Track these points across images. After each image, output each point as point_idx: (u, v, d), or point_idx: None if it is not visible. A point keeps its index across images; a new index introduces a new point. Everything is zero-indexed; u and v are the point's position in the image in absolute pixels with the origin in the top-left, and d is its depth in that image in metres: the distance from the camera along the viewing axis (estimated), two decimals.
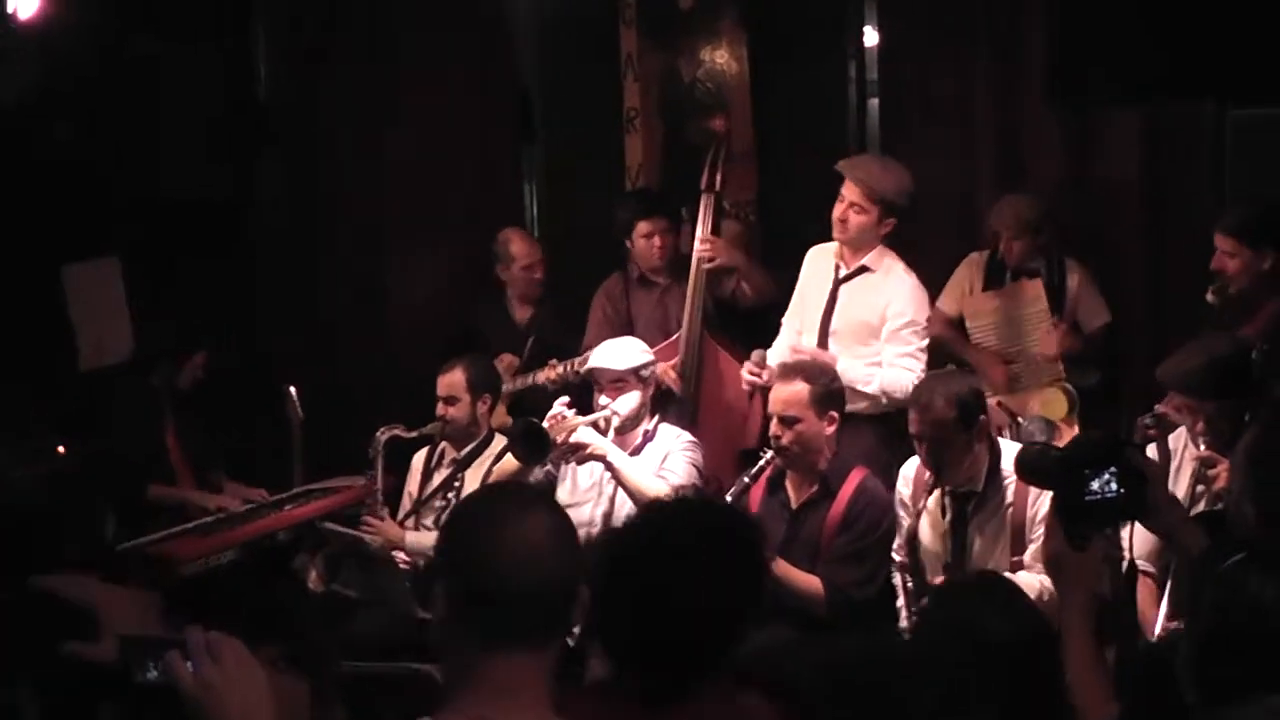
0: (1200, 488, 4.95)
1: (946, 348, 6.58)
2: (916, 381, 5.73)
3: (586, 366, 5.89)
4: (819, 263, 6.29)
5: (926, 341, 6.09)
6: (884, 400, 5.93)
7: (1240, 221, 5.68)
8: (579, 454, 5.54)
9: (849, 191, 6.06)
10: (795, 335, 6.28)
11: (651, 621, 2.79)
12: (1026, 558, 5.03)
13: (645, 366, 5.80)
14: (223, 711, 2.12)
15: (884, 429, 5.97)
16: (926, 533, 5.24)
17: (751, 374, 6.04)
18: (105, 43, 7.15)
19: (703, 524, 2.97)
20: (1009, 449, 5.20)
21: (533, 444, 5.44)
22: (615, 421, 5.67)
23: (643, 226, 6.80)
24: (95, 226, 7.04)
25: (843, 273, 6.14)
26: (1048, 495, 4.80)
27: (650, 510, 3.09)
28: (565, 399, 5.68)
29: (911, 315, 6.05)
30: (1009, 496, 5.12)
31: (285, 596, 3.08)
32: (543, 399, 5.70)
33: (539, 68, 8.20)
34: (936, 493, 5.19)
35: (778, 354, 6.14)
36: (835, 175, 6.17)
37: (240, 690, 2.14)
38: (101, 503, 5.06)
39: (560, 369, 6.61)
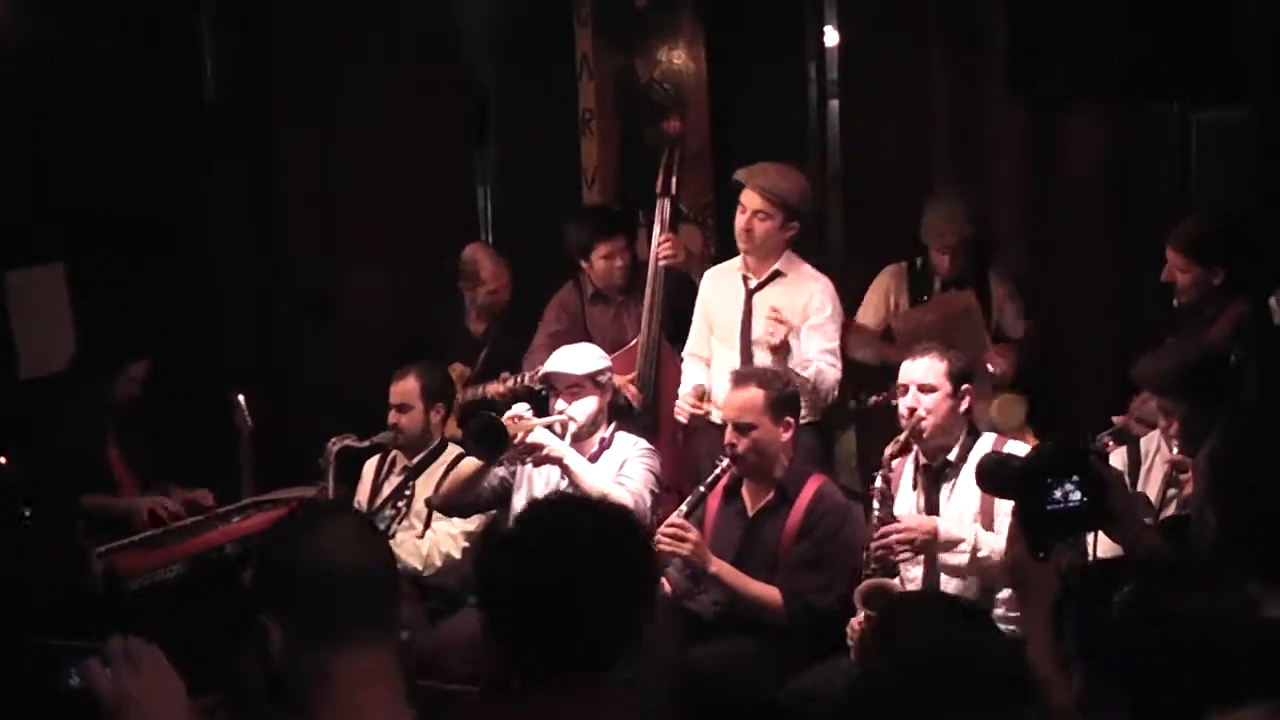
0: (1171, 491, 4.94)
1: (866, 356, 6.52)
2: (838, 371, 5.98)
3: (543, 371, 5.80)
4: (721, 283, 6.32)
5: (839, 339, 6.16)
6: (813, 395, 5.93)
7: (1193, 238, 5.63)
8: (535, 455, 5.44)
9: (750, 200, 6.09)
10: (704, 366, 6.30)
11: (533, 618, 2.74)
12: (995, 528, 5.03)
13: (602, 373, 5.72)
14: (140, 718, 2.18)
15: (819, 433, 6.08)
16: (900, 506, 5.25)
17: (693, 407, 6.11)
18: (50, 48, 7.03)
19: (582, 520, 2.88)
20: (986, 436, 5.27)
21: (490, 440, 5.35)
22: (571, 427, 5.61)
23: (602, 249, 6.75)
24: (39, 233, 6.91)
25: (754, 283, 6.16)
26: None
27: (532, 509, 3.05)
28: (524, 405, 5.57)
29: (831, 311, 6.12)
30: None
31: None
32: (493, 411, 5.62)
33: (493, 69, 8.11)
34: (910, 470, 5.24)
35: (690, 386, 6.24)
36: (735, 187, 6.19)
37: (158, 698, 2.21)
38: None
39: (511, 382, 6.52)
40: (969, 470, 5.10)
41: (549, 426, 5.52)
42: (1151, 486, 5.02)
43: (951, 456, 5.20)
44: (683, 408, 6.17)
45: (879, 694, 2.55)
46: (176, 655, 2.37)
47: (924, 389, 5.19)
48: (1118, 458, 5.14)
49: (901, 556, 5.08)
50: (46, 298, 6.93)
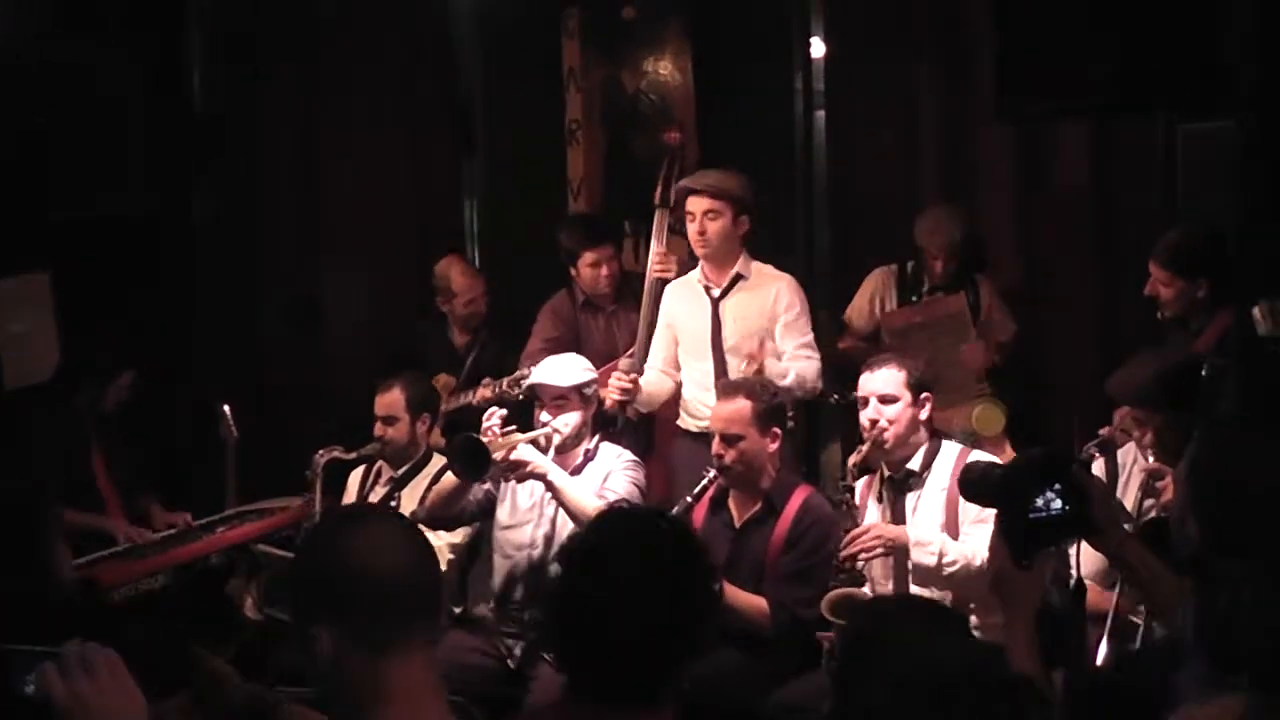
0: (1148, 501, 4.93)
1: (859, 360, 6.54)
2: (817, 364, 5.98)
3: (529, 382, 5.78)
4: (682, 295, 6.29)
5: (811, 333, 6.15)
6: (799, 392, 5.95)
7: (1175, 252, 5.65)
8: (519, 471, 5.41)
9: (697, 204, 6.08)
10: (664, 377, 6.32)
11: (599, 636, 2.72)
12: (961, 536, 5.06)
13: (588, 384, 5.69)
14: None
15: (795, 442, 6.05)
16: (867, 518, 5.23)
17: (620, 380, 6.12)
18: (37, 52, 7.01)
19: (650, 537, 2.86)
20: (950, 446, 5.25)
21: (472, 460, 5.32)
22: (556, 440, 5.57)
23: (588, 256, 6.73)
24: (24, 241, 6.88)
25: (716, 292, 6.14)
26: None
27: (602, 521, 3.01)
28: (502, 411, 5.54)
29: (800, 306, 6.11)
30: (944, 482, 5.12)
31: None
32: (477, 419, 5.60)
33: (480, 80, 8.11)
34: (875, 481, 5.23)
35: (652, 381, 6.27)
36: (680, 201, 6.21)
37: (113, 704, 2.17)
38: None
39: (493, 388, 6.50)
40: (933, 480, 5.17)
41: (533, 441, 5.49)
42: (1129, 496, 5.03)
43: (915, 466, 5.19)
44: (617, 386, 6.15)
45: (862, 703, 2.55)
46: (151, 656, 2.36)
47: (884, 400, 5.20)
48: (1097, 468, 5.15)
49: (868, 559, 5.07)
50: (32, 307, 6.89)
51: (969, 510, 5.01)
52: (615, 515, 3.17)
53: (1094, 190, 6.83)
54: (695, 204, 6.07)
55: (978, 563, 4.87)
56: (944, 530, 5.07)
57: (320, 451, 6.06)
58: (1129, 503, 4.98)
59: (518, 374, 6.22)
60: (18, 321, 6.80)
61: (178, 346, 7.63)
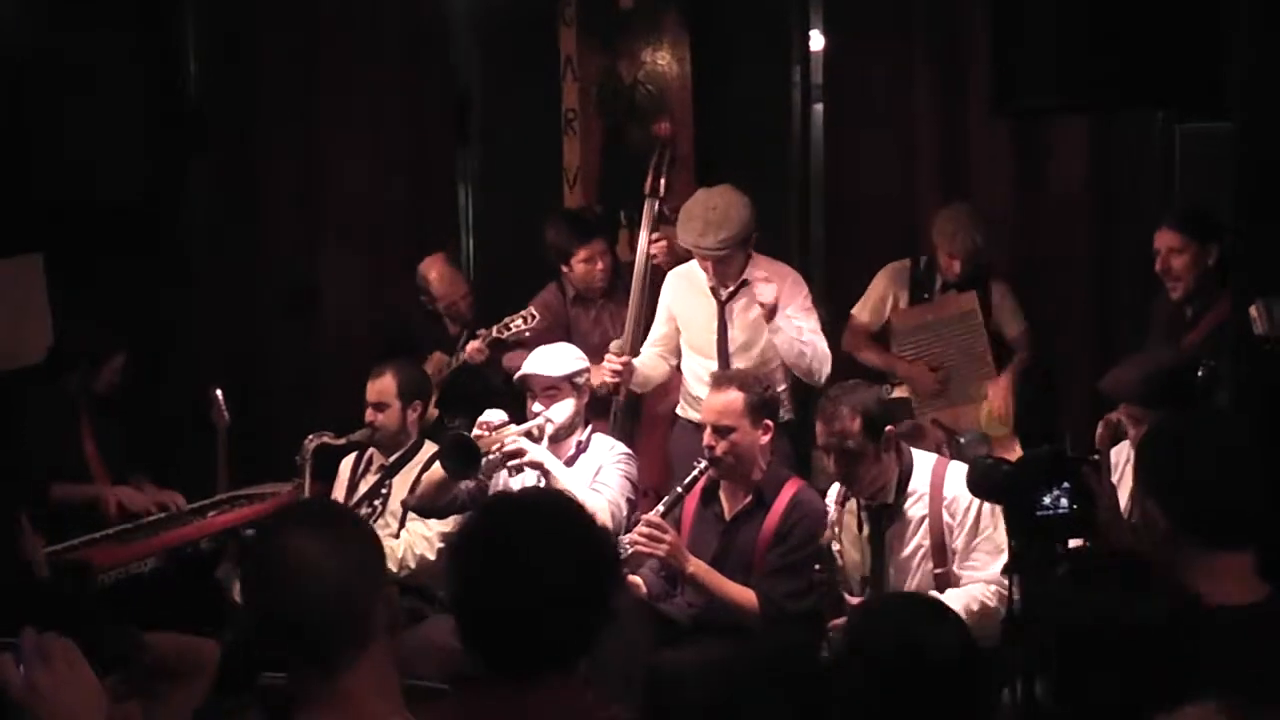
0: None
1: (867, 358, 6.53)
2: (829, 353, 5.98)
3: (520, 373, 5.76)
4: (686, 289, 6.24)
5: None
6: (808, 363, 5.92)
7: (1188, 216, 5.70)
8: (515, 461, 5.41)
9: (705, 259, 6.00)
10: (659, 358, 6.32)
11: (493, 612, 2.71)
12: (955, 568, 4.98)
13: (579, 373, 5.68)
14: (52, 714, 2.15)
15: (795, 434, 6.07)
16: (848, 547, 5.14)
17: (611, 362, 6.11)
18: (32, 39, 7.00)
19: (542, 518, 2.85)
20: (922, 460, 5.14)
21: (462, 458, 5.32)
22: (549, 429, 5.57)
23: (582, 253, 6.73)
24: (17, 223, 6.87)
25: (724, 295, 6.08)
26: (960, 504, 4.92)
27: (492, 503, 3.02)
28: (499, 415, 5.55)
29: (804, 292, 6.08)
30: (924, 508, 5.04)
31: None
32: (473, 381, 5.60)
33: (477, 69, 8.09)
34: (852, 505, 5.14)
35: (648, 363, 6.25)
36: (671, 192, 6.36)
37: (70, 693, 2.17)
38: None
39: (484, 338, 6.49)
40: (912, 510, 5.06)
41: (526, 432, 5.50)
42: (1121, 494, 4.95)
43: (889, 498, 5.08)
44: (608, 368, 6.13)
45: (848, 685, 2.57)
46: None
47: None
48: None
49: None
50: (24, 289, 6.88)
51: (957, 540, 4.97)
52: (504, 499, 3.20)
53: (1091, 189, 6.82)
54: (703, 261, 6.03)
55: (975, 607, 4.78)
56: (928, 557, 5.01)
57: (310, 437, 6.06)
58: (1122, 502, 4.93)
59: (506, 319, 6.29)
60: (10, 303, 6.79)
61: (171, 332, 7.62)
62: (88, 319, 6.67)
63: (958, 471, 5.00)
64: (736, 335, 6.07)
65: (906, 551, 5.05)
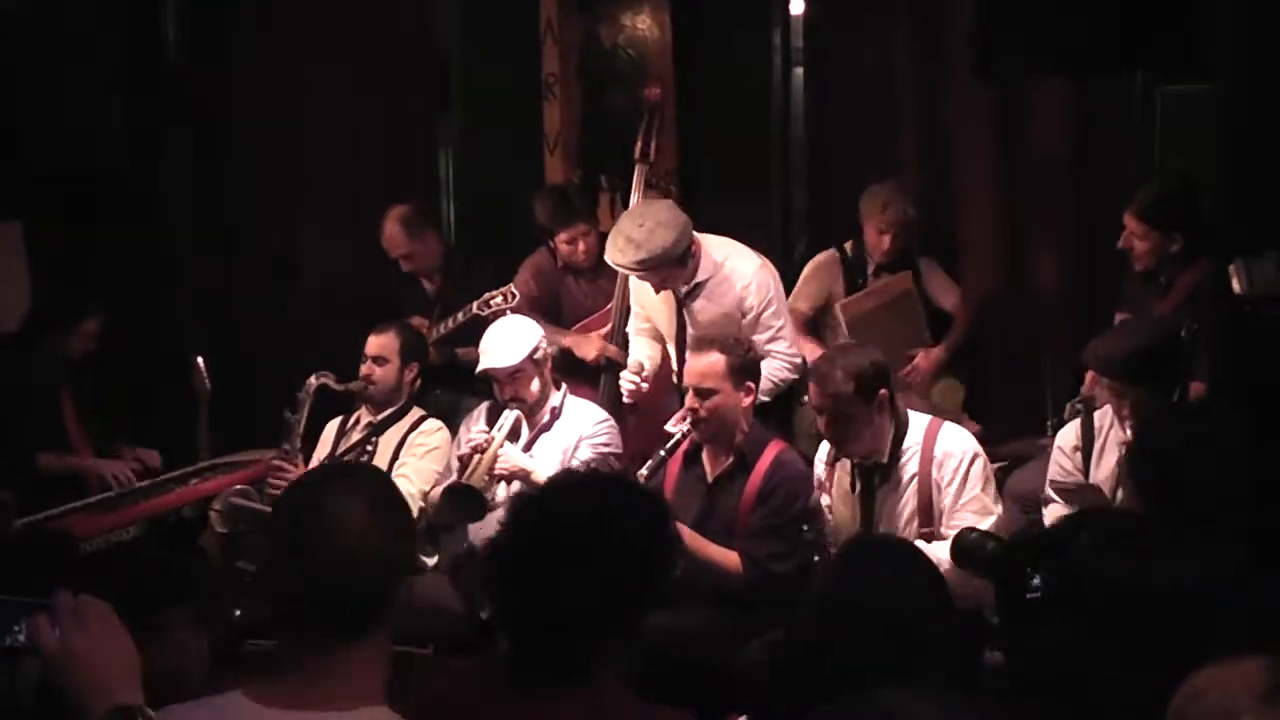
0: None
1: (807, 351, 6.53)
2: (789, 358, 5.87)
3: (479, 368, 5.82)
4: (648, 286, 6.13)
5: (785, 313, 6.04)
6: (775, 385, 5.88)
7: (1151, 204, 5.68)
8: (516, 479, 5.56)
9: (641, 277, 5.92)
10: (647, 341, 6.27)
11: (538, 598, 2.70)
12: (942, 529, 4.98)
13: (536, 348, 5.74)
14: (87, 676, 2.12)
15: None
16: (838, 505, 5.17)
17: (632, 383, 6.05)
18: (10, 7, 6.96)
19: (602, 499, 2.85)
20: (917, 420, 5.15)
21: (466, 505, 5.53)
22: (521, 415, 5.72)
23: (564, 234, 6.72)
24: None
25: (683, 292, 5.98)
26: (950, 464, 4.97)
27: (552, 485, 2.98)
28: (480, 435, 5.64)
29: (766, 296, 5.93)
30: (914, 467, 5.06)
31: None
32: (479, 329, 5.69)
33: (456, 33, 8.05)
34: (845, 465, 5.15)
35: (633, 362, 6.18)
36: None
37: (105, 655, 2.14)
38: None
39: (465, 311, 6.50)
40: (905, 469, 5.07)
41: (509, 436, 5.61)
42: (1105, 464, 5.00)
43: (883, 459, 5.08)
44: (627, 387, 6.10)
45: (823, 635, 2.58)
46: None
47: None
48: (1073, 430, 5.14)
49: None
50: (3, 256, 6.86)
51: (946, 498, 5.00)
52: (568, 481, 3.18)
53: (1072, 153, 6.82)
54: (639, 277, 5.94)
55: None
56: (915, 519, 5.02)
57: (312, 377, 6.06)
58: (1105, 472, 4.97)
59: (486, 296, 6.33)
60: None
61: (152, 299, 7.60)
62: (63, 284, 6.66)
63: (951, 431, 5.08)
64: (694, 334, 5.94)
65: (895, 510, 5.07)
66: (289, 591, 2.36)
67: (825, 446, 5.25)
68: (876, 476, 5.10)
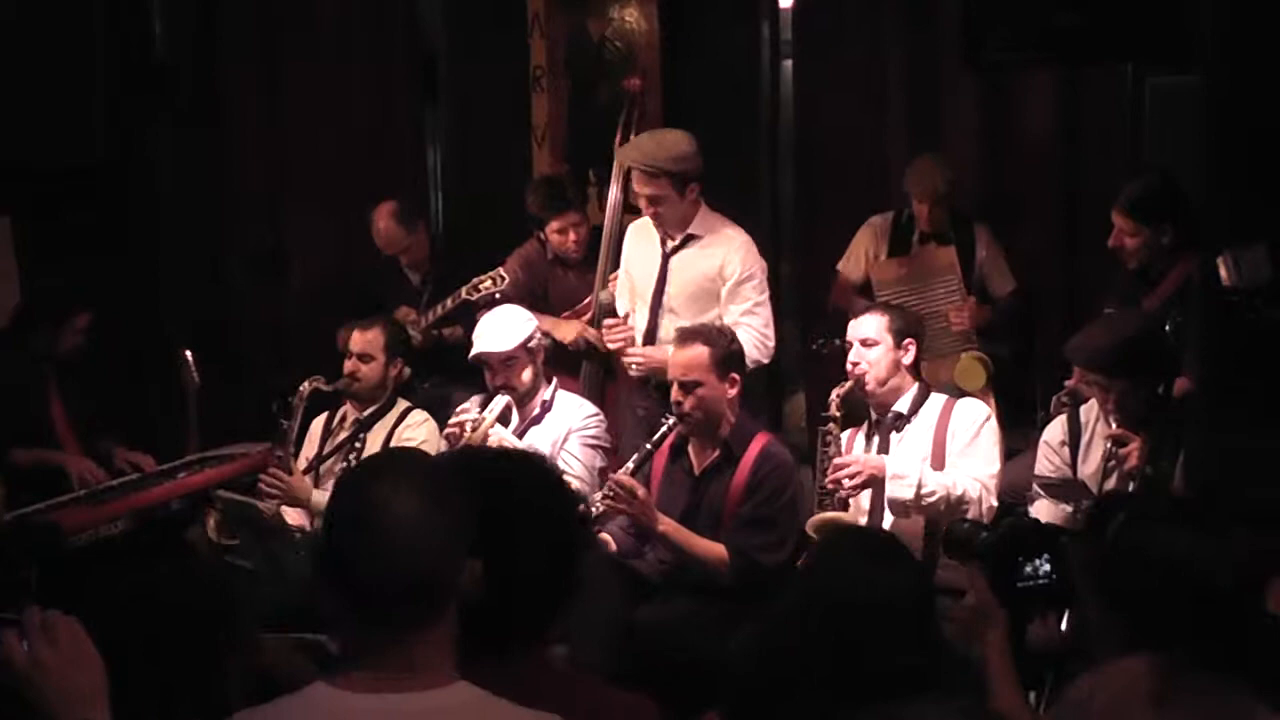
0: (1111, 464, 4.89)
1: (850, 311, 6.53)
2: (762, 336, 5.83)
3: (473, 353, 5.78)
4: (641, 238, 6.17)
5: (766, 294, 5.99)
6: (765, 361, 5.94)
7: (1137, 199, 5.64)
8: None
9: (639, 185, 5.90)
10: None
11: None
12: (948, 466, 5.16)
13: (530, 337, 5.72)
14: (56, 692, 2.14)
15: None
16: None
17: (618, 332, 6.06)
18: None
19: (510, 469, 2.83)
20: (938, 395, 5.34)
21: None
22: (513, 408, 5.71)
23: (555, 224, 6.72)
24: None
25: (670, 246, 6.00)
26: (965, 419, 5.17)
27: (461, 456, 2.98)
28: (470, 414, 5.64)
29: (750, 270, 5.93)
30: (932, 418, 5.26)
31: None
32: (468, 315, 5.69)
33: (444, 26, 8.04)
34: (864, 428, 5.35)
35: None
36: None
37: (74, 671, 2.17)
38: None
39: (454, 297, 6.50)
40: (920, 421, 5.24)
41: (500, 419, 5.59)
42: (1091, 459, 5.00)
43: (903, 409, 5.26)
44: (610, 339, 6.10)
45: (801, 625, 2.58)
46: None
47: (865, 343, 5.29)
48: (1060, 425, 5.13)
49: (848, 490, 5.13)
50: None
51: (955, 444, 5.14)
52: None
53: (1061, 144, 6.83)
54: (636, 184, 5.93)
55: (957, 492, 4.99)
56: (929, 459, 5.14)
57: (305, 383, 6.04)
58: (1091, 467, 4.97)
59: (475, 281, 6.33)
60: None
61: (140, 292, 7.59)
62: (52, 279, 6.64)
63: (969, 401, 5.36)
64: (671, 292, 5.97)
65: (904, 453, 5.20)
66: (362, 585, 2.32)
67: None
68: (894, 427, 5.27)
